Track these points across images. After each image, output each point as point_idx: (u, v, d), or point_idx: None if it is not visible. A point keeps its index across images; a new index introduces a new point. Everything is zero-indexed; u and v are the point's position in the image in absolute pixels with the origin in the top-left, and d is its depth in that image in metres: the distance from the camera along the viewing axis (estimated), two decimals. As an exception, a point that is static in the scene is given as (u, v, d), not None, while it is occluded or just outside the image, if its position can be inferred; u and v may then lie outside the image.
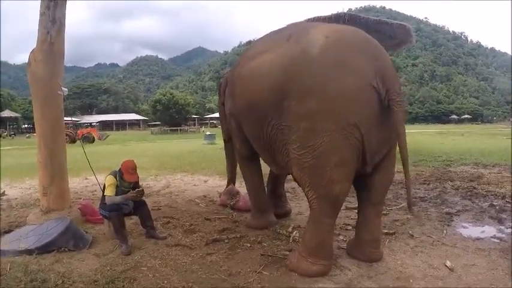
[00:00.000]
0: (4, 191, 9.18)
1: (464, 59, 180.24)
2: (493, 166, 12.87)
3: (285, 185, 7.03)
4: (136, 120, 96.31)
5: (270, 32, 5.40)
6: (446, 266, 4.48)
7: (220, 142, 11.64)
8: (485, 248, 5.07)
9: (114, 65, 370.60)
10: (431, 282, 4.11)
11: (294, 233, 5.59)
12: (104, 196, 5.40)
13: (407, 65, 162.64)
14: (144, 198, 5.77)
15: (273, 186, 6.69)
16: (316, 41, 4.10)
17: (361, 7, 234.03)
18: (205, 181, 10.72)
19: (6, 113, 57.71)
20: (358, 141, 3.96)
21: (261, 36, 5.61)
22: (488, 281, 4.12)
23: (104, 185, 5.41)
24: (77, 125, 41.12)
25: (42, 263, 4.66)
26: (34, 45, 6.63)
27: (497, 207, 7.17)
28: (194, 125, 77.21)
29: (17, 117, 62.34)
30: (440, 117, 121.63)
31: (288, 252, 4.79)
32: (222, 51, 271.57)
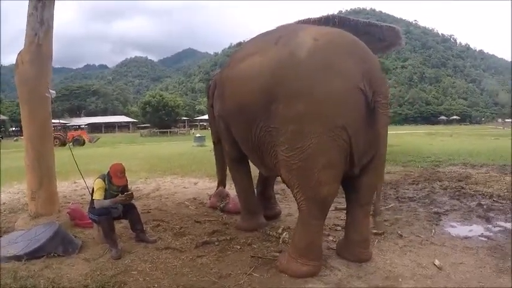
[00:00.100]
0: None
1: (453, 61, 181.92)
2: (480, 166, 13.00)
3: (275, 186, 7.06)
4: (126, 122, 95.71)
5: (259, 34, 5.41)
6: (434, 264, 4.52)
7: (210, 144, 11.63)
8: (473, 247, 5.12)
9: (103, 66, 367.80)
10: (420, 281, 4.14)
11: (284, 234, 5.61)
12: (92, 200, 5.37)
13: (396, 67, 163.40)
14: (133, 201, 5.75)
15: (263, 188, 6.70)
16: (305, 43, 4.13)
17: (351, 9, 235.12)
18: (195, 183, 10.69)
19: (-7, 116, 57.24)
20: (345, 143, 3.99)
21: (251, 37, 5.63)
22: (476, 279, 4.17)
23: (93, 188, 5.38)
24: (65, 128, 40.75)
25: (32, 268, 4.62)
26: (22, 47, 6.58)
27: (484, 207, 7.23)
28: (184, 127, 76.97)
29: (4, 119, 61.81)
30: (429, 118, 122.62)
31: (278, 254, 4.81)
32: (212, 53, 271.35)
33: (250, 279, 4.25)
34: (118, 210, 5.52)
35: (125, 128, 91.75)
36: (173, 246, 5.32)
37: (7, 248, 5.03)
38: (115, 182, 5.31)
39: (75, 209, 6.58)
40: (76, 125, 56.92)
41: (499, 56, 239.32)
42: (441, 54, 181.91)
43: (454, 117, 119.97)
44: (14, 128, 69.52)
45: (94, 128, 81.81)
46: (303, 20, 16.03)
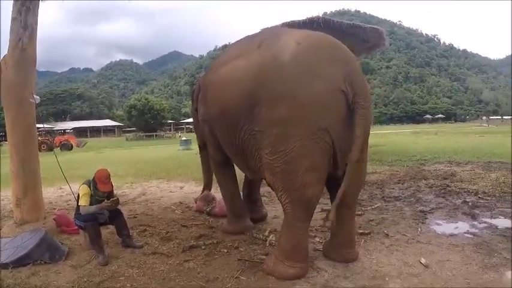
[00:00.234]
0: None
1: (437, 60, 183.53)
2: (465, 164, 13.11)
3: (261, 189, 7.04)
4: (111, 126, 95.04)
5: (242, 37, 5.42)
6: (421, 263, 4.54)
7: (195, 147, 11.59)
8: (459, 244, 5.16)
9: (88, 70, 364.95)
10: (407, 279, 4.16)
11: (271, 237, 5.62)
12: (78, 206, 5.31)
13: (381, 67, 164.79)
14: (119, 206, 5.69)
15: (249, 191, 6.69)
16: (287, 47, 4.15)
17: (336, 10, 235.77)
18: (181, 187, 10.64)
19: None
20: (328, 146, 4.01)
21: (235, 41, 5.63)
22: (462, 276, 4.20)
23: (78, 194, 5.32)
24: (50, 132, 40.47)
25: (18, 276, 4.58)
26: (5, 51, 6.52)
27: (470, 204, 7.30)
28: (170, 130, 76.82)
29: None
30: (414, 118, 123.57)
31: (264, 257, 4.81)
32: (197, 55, 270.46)
33: (238, 283, 4.24)
34: (104, 215, 5.47)
35: (110, 132, 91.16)
36: (160, 251, 5.30)
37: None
38: (100, 188, 5.27)
39: (61, 216, 6.50)
40: (61, 130, 56.51)
41: (483, 55, 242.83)
42: (425, 54, 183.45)
43: (439, 115, 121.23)
44: (-2, 133, 68.79)
45: (79, 132, 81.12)
46: (288, 22, 16.10)
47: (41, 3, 6.88)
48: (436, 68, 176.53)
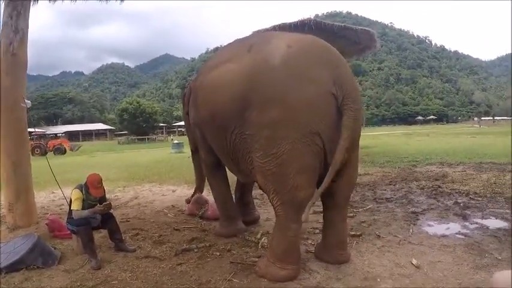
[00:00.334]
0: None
1: (429, 62, 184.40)
2: (457, 165, 13.20)
3: (253, 191, 7.05)
4: (103, 130, 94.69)
5: (233, 41, 5.43)
6: (412, 263, 4.57)
7: (188, 151, 11.58)
8: (451, 245, 5.19)
9: (79, 73, 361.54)
10: (398, 280, 4.18)
11: (263, 239, 5.62)
12: (70, 211, 5.30)
13: (373, 69, 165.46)
14: (112, 210, 5.70)
15: (241, 194, 6.70)
16: (278, 50, 4.16)
17: (328, 12, 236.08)
18: (174, 191, 10.62)
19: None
20: (319, 148, 4.03)
21: (226, 44, 5.64)
22: (453, 276, 4.22)
23: (70, 199, 5.31)
24: (42, 136, 40.28)
25: (12, 281, 4.56)
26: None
27: (461, 204, 7.34)
28: (162, 133, 76.57)
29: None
30: (406, 119, 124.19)
31: (257, 259, 4.81)
32: (189, 58, 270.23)
33: (230, 285, 4.25)
34: (96, 220, 5.47)
35: (102, 136, 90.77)
36: (153, 255, 5.29)
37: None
38: (92, 193, 5.26)
39: (53, 220, 6.48)
40: (53, 134, 56.31)
41: (474, 56, 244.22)
42: (417, 56, 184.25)
43: (431, 117, 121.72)
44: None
45: (71, 136, 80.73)
46: (279, 25, 16.16)
47: (31, 6, 6.86)
48: (428, 69, 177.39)
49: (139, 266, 4.90)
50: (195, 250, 5.36)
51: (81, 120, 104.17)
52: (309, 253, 5.05)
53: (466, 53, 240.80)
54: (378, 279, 4.21)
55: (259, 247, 5.37)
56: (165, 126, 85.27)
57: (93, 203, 5.33)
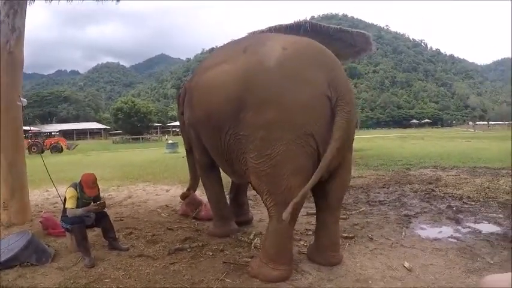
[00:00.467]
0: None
1: (424, 65, 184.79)
2: (451, 168, 13.24)
3: (247, 192, 7.06)
4: (98, 129, 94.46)
5: (228, 42, 5.45)
6: (404, 266, 4.58)
7: (182, 150, 11.60)
8: (443, 248, 5.21)
9: (74, 72, 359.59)
10: (390, 282, 4.20)
11: (256, 240, 5.64)
12: (65, 209, 5.30)
13: (368, 72, 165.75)
14: (106, 209, 5.71)
15: (235, 195, 6.72)
16: (273, 52, 4.18)
17: (324, 14, 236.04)
18: (168, 190, 10.62)
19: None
20: (313, 150, 4.05)
21: (221, 45, 5.65)
22: (445, 280, 4.24)
23: (65, 197, 5.32)
24: (37, 134, 40.12)
25: (5, 278, 4.56)
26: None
27: (454, 208, 7.37)
28: (156, 133, 76.49)
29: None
30: (401, 122, 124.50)
31: (249, 259, 4.82)
32: (184, 58, 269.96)
33: (223, 285, 4.25)
34: (90, 218, 5.48)
35: (97, 135, 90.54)
36: (146, 254, 5.28)
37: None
38: (87, 193, 5.27)
39: (47, 218, 6.48)
40: (47, 132, 56.15)
41: (470, 60, 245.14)
42: (412, 59, 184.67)
43: (426, 120, 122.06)
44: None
45: (66, 135, 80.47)
46: (275, 26, 16.18)
47: (28, 6, 6.85)
48: (423, 72, 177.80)
49: (133, 265, 4.91)
50: (188, 250, 5.37)
51: (76, 119, 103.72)
52: (302, 254, 5.06)
53: (461, 57, 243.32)
54: (370, 282, 4.23)
55: (252, 247, 5.39)
56: (160, 126, 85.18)
57: (88, 202, 5.34)
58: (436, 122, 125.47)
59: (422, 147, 24.34)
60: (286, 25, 16.39)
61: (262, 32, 15.56)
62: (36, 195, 9.99)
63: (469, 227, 6.20)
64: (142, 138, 60.80)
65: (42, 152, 29.77)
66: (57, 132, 60.72)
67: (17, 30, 6.60)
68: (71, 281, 4.45)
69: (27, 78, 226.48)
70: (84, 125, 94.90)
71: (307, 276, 4.41)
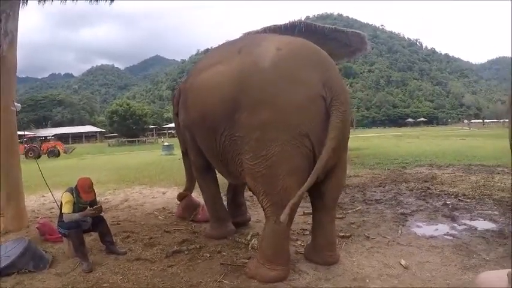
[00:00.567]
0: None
1: (419, 64, 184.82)
2: (446, 166, 13.29)
3: (245, 193, 7.07)
4: (93, 132, 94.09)
5: (223, 43, 5.46)
6: (401, 264, 4.61)
7: (178, 152, 11.58)
8: (439, 245, 5.24)
9: (68, 75, 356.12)
10: (387, 281, 4.22)
11: (253, 240, 5.65)
12: (61, 214, 5.30)
13: (363, 71, 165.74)
14: (102, 213, 5.70)
15: (233, 195, 6.72)
16: (268, 53, 4.20)
17: (319, 14, 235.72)
18: (164, 193, 10.62)
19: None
20: (309, 150, 4.07)
21: (216, 46, 5.66)
22: (441, 277, 4.27)
23: (61, 202, 5.32)
24: (32, 139, 39.96)
25: (3, 286, 4.54)
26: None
27: (450, 206, 7.40)
28: (152, 135, 76.42)
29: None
30: (396, 121, 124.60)
31: (247, 260, 4.84)
32: (179, 60, 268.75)
33: (221, 286, 4.27)
34: (87, 223, 5.47)
35: (92, 138, 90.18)
36: (143, 257, 5.29)
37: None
38: (83, 198, 5.26)
39: (44, 224, 6.46)
40: (43, 137, 55.98)
41: (464, 59, 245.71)
42: (407, 58, 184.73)
43: (421, 119, 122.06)
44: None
45: (61, 139, 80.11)
46: (269, 27, 16.19)
47: (20, 9, 6.84)
48: (418, 72, 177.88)
49: (131, 269, 4.91)
50: (186, 252, 5.37)
51: (71, 123, 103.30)
52: (299, 254, 5.08)
53: (456, 56, 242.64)
54: (367, 280, 4.25)
55: (249, 248, 5.40)
56: (155, 128, 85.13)
57: (84, 206, 5.34)
58: (432, 120, 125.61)
59: (417, 145, 24.40)
60: (281, 25, 16.41)
61: (257, 32, 15.57)
62: (32, 201, 9.96)
63: (464, 224, 6.23)
64: (138, 140, 60.71)
65: (39, 156, 29.72)
66: (52, 136, 60.50)
67: (9, 35, 6.57)
68: (69, 287, 4.45)
69: (21, 82, 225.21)
70: (79, 129, 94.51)
71: (304, 276, 4.43)
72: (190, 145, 5.80)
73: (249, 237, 5.85)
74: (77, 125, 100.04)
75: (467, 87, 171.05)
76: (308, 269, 4.59)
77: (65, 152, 34.83)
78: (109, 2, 8.64)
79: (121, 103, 71.55)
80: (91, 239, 5.94)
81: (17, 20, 6.82)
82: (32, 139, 37.78)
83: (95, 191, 5.51)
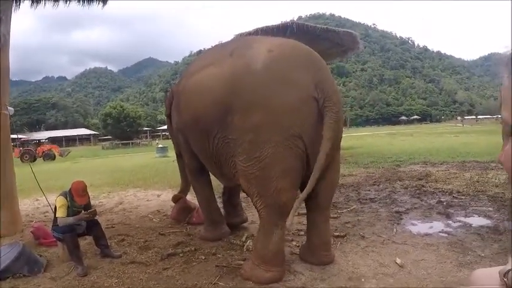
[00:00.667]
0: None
1: (412, 62, 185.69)
2: (440, 164, 13.32)
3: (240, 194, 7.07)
4: (87, 135, 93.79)
5: (215, 45, 5.46)
6: (396, 263, 4.62)
7: (172, 154, 11.56)
8: (434, 243, 5.26)
9: (62, 78, 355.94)
10: (382, 279, 4.23)
11: (248, 242, 5.65)
12: (56, 218, 5.28)
13: (356, 70, 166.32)
14: (97, 216, 5.70)
15: (229, 196, 6.71)
16: (259, 55, 4.20)
17: (311, 14, 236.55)
18: (159, 195, 10.59)
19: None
20: (302, 151, 4.08)
21: (208, 48, 5.66)
22: (437, 274, 4.28)
23: (55, 206, 5.30)
24: (24, 143, 39.76)
25: (-2, 290, 4.53)
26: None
27: (444, 203, 7.42)
28: (146, 137, 76.31)
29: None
30: (390, 119, 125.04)
31: (242, 262, 4.84)
32: (172, 61, 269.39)
33: (216, 288, 4.26)
34: (82, 226, 5.46)
35: (86, 141, 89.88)
36: (138, 260, 5.28)
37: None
38: (77, 201, 5.26)
39: (38, 228, 6.44)
40: (36, 140, 55.85)
41: (457, 56, 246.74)
42: (400, 56, 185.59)
43: (415, 117, 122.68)
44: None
45: (54, 142, 79.87)
46: (261, 28, 16.19)
47: (13, 12, 6.81)
48: (411, 70, 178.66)
49: (126, 272, 4.90)
50: (181, 254, 5.37)
51: (65, 126, 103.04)
52: (294, 255, 5.09)
53: (448, 53, 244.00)
54: (362, 279, 4.25)
55: (244, 250, 5.40)
56: (149, 130, 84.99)
57: (78, 210, 5.33)
58: (425, 118, 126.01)
59: (411, 143, 24.46)
60: (273, 26, 16.40)
61: (249, 33, 15.57)
62: (26, 205, 9.92)
63: (459, 221, 6.25)
64: (132, 143, 60.61)
65: (35, 159, 29.63)
66: (45, 139, 60.25)
67: (2, 38, 6.54)
68: (65, 291, 4.43)
69: (14, 85, 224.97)
70: (73, 132, 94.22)
71: (300, 276, 4.43)
72: (184, 147, 5.79)
73: (243, 239, 5.84)
74: (71, 128, 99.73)
75: (459, 84, 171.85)
76: (303, 270, 4.59)
77: (61, 155, 34.71)
78: (101, 4, 8.61)
79: (115, 105, 71.42)
80: (86, 242, 5.93)
81: (10, 24, 6.79)
82: (23, 143, 37.54)
83: (89, 195, 5.49)
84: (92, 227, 5.53)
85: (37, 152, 34.03)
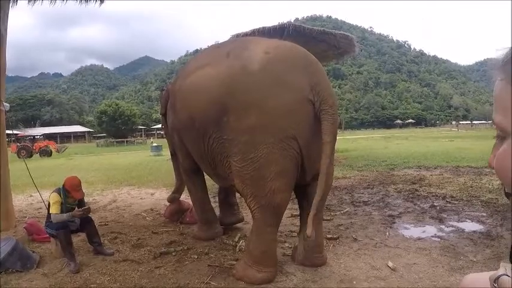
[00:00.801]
0: None
1: (408, 66, 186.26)
2: (434, 168, 13.35)
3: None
4: (82, 132, 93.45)
5: (212, 45, 5.46)
6: (388, 266, 4.64)
7: (167, 153, 11.56)
8: (426, 247, 5.27)
9: (58, 75, 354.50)
10: (374, 282, 4.24)
11: (240, 242, 5.66)
12: (49, 214, 5.28)
13: (352, 73, 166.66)
14: (90, 214, 5.69)
15: (224, 196, 6.71)
16: (256, 56, 4.20)
17: (308, 16, 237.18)
18: (152, 194, 10.59)
19: None
20: (296, 153, 4.09)
21: (204, 49, 5.65)
22: (429, 278, 4.29)
23: (49, 202, 5.30)
24: (19, 139, 39.62)
25: (-10, 286, 4.52)
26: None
27: (437, 208, 7.45)
28: (141, 136, 76.17)
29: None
30: (385, 123, 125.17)
31: (234, 262, 4.85)
32: (168, 60, 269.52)
33: (208, 288, 4.26)
34: (75, 223, 5.47)
35: (80, 138, 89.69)
36: (131, 258, 5.28)
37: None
38: (72, 196, 5.26)
39: (32, 224, 6.45)
40: (31, 136, 55.65)
41: (453, 61, 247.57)
42: (396, 60, 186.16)
43: (410, 120, 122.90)
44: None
45: (49, 138, 79.59)
46: (258, 29, 16.18)
47: (10, 8, 6.79)
48: (407, 73, 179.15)
49: (118, 270, 4.90)
50: (173, 253, 5.37)
51: (60, 122, 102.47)
52: (286, 256, 5.09)
53: (444, 57, 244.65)
54: (354, 282, 4.26)
55: (237, 250, 5.41)
56: (144, 128, 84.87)
57: (72, 207, 5.34)
58: (420, 122, 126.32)
59: (406, 147, 24.49)
60: (270, 27, 16.39)
61: (246, 34, 15.56)
62: (20, 201, 9.90)
63: (452, 226, 6.28)
64: (126, 141, 60.43)
65: (31, 155, 29.53)
66: (40, 136, 60.07)
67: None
68: (57, 287, 4.44)
69: (10, 81, 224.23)
70: (68, 128, 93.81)
71: (291, 277, 4.44)
72: (179, 147, 5.79)
73: (236, 239, 5.85)
74: (66, 125, 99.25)
75: (455, 88, 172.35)
76: (295, 271, 4.60)
77: (58, 151, 34.64)
78: (99, 2, 8.60)
79: (110, 103, 71.24)
80: (79, 239, 5.93)
81: (7, 21, 6.77)
82: (19, 139, 37.41)
83: (83, 191, 5.48)
84: (86, 224, 5.53)
85: (34, 148, 33.95)
